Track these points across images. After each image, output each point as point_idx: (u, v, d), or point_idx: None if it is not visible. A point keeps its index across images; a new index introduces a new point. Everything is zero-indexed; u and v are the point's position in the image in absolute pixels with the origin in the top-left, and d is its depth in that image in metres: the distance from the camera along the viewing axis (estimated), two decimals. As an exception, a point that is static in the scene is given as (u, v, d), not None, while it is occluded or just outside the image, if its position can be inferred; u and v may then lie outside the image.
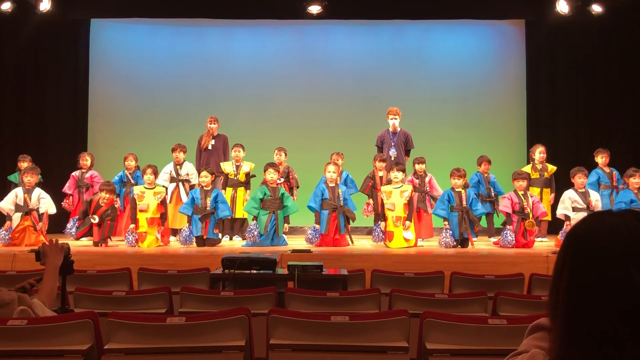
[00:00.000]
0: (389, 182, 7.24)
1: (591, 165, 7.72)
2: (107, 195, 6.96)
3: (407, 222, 6.85)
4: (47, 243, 2.65)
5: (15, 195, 6.97)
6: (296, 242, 7.07)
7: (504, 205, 6.93)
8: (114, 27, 9.99)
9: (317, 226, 6.95)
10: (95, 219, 6.81)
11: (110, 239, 6.96)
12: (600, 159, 7.79)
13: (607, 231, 0.98)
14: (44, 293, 2.50)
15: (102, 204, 6.93)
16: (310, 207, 7.04)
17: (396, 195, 6.92)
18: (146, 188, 7.02)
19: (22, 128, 9.45)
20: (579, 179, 7.10)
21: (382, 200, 7.11)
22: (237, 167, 7.82)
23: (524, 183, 7.00)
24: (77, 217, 7.22)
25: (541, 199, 7.51)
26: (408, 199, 6.91)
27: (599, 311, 0.94)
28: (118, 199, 7.71)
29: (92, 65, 9.82)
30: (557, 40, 9.63)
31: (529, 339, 1.20)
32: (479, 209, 7.01)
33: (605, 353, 0.92)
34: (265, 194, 7.00)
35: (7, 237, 6.74)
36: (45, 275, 2.53)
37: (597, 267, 0.96)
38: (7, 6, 8.63)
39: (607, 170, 7.77)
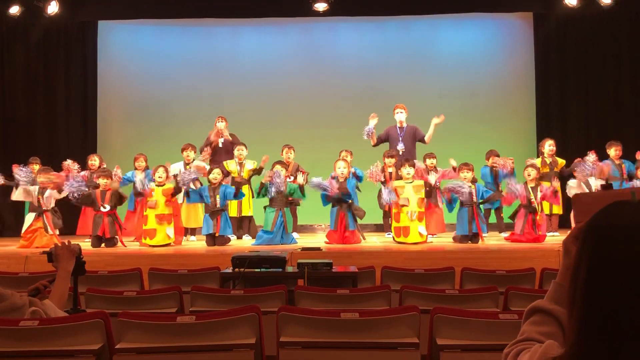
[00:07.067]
0: (400, 178, 7.21)
1: (601, 158, 7.65)
2: (106, 180, 7.00)
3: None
4: (59, 244, 2.64)
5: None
6: (306, 241, 7.06)
7: (513, 187, 6.82)
8: (122, 28, 10.03)
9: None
10: (106, 207, 6.83)
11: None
12: (614, 151, 7.73)
13: (629, 224, 0.95)
14: (55, 297, 2.51)
15: (105, 190, 6.96)
16: (322, 195, 6.96)
17: (409, 190, 6.90)
18: (156, 185, 7.03)
19: (33, 130, 9.52)
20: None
21: (395, 189, 6.98)
22: (240, 165, 7.85)
23: (533, 171, 6.95)
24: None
25: (552, 193, 7.44)
26: (424, 193, 6.92)
27: (617, 306, 0.92)
28: (127, 198, 7.73)
29: (100, 67, 9.86)
30: (566, 33, 9.55)
31: (527, 325, 1.19)
32: (488, 192, 7.05)
33: (622, 346, 0.91)
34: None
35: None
36: (57, 280, 2.54)
37: (617, 261, 0.93)
38: (15, 10, 8.70)
39: (617, 162, 7.71)
